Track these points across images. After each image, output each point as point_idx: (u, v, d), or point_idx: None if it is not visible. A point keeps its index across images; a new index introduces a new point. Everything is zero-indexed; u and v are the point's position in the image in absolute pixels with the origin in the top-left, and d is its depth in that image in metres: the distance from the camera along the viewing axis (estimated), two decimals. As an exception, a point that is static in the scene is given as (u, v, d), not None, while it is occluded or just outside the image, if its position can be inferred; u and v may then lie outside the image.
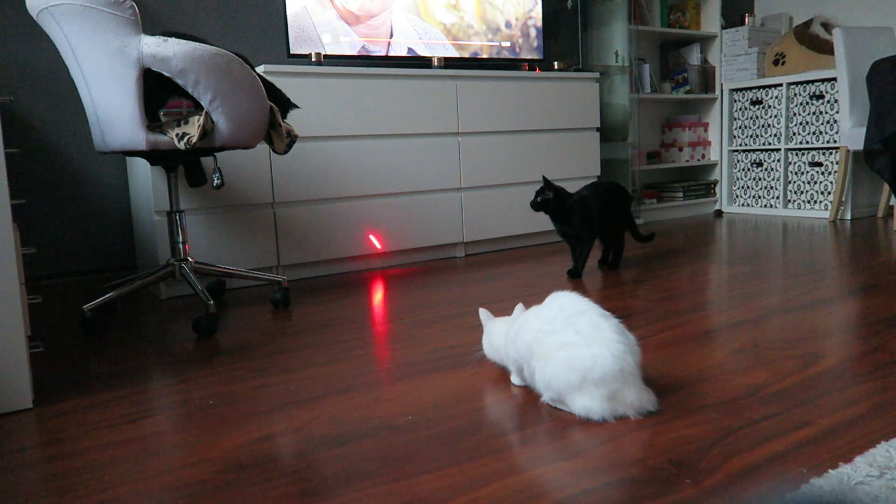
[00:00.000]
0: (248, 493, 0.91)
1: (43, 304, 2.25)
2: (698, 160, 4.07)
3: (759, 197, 3.94)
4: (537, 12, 3.16)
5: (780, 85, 3.80)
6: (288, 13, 2.58)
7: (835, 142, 3.56)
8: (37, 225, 2.52)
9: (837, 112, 3.55)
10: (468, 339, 1.61)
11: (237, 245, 2.36)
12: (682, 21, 4.03)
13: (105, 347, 1.69)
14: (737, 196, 4.08)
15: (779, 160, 3.82)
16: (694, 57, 4.06)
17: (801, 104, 3.72)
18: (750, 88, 3.95)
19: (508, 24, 3.09)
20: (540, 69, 3.19)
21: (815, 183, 3.67)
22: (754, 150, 3.96)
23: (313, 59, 2.57)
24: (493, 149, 2.92)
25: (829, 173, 3.60)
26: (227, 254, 2.34)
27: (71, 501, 0.91)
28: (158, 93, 1.74)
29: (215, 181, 1.90)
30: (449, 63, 2.99)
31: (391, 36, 2.82)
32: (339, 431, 1.10)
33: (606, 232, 2.37)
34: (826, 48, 3.67)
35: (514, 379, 1.28)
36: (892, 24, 3.74)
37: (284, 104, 1.99)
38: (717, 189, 4.14)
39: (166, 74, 1.66)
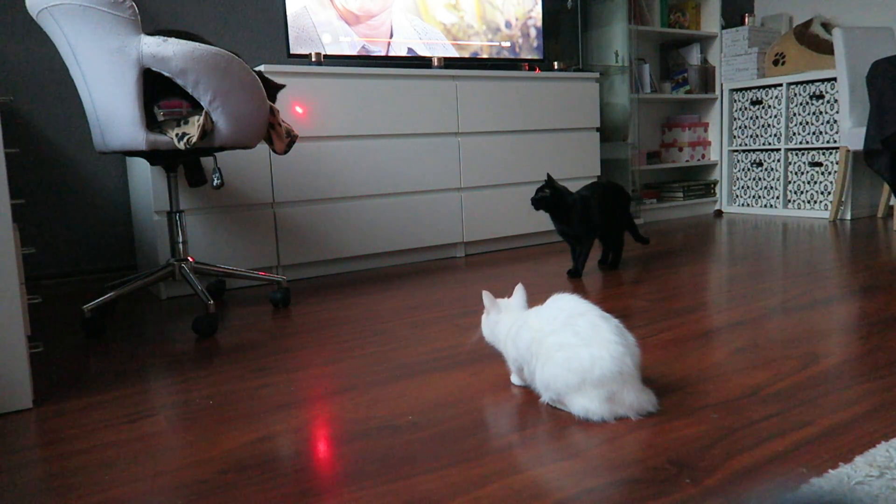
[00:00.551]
0: (248, 493, 0.91)
1: (43, 304, 2.25)
2: (698, 160, 4.07)
3: (759, 197, 3.94)
4: (537, 12, 3.16)
5: (780, 85, 3.80)
6: (288, 13, 2.58)
7: (835, 142, 3.56)
8: (37, 225, 2.52)
9: (837, 112, 3.55)
10: (465, 342, 1.61)
11: (237, 245, 2.36)
12: (682, 21, 4.03)
13: (105, 347, 1.69)
14: (737, 196, 4.08)
15: (779, 160, 3.82)
16: (694, 57, 4.06)
17: (801, 104, 3.72)
18: (750, 88, 3.95)
19: (508, 24, 3.09)
20: (540, 69, 3.19)
21: (815, 183, 3.67)
22: (754, 150, 3.96)
23: (313, 59, 2.57)
24: (493, 149, 2.92)
25: (829, 173, 3.60)
26: (227, 254, 2.34)
27: (71, 501, 0.91)
28: (158, 93, 1.74)
29: (215, 181, 1.90)
30: (449, 63, 2.99)
31: (391, 36, 2.82)
32: (339, 431, 1.10)
33: (606, 232, 2.37)
34: (826, 48, 3.67)
35: (514, 379, 1.28)
36: (892, 24, 3.74)
37: (267, 85, 1.97)
38: (717, 189, 4.14)
39: (166, 74, 1.66)
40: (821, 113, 3.62)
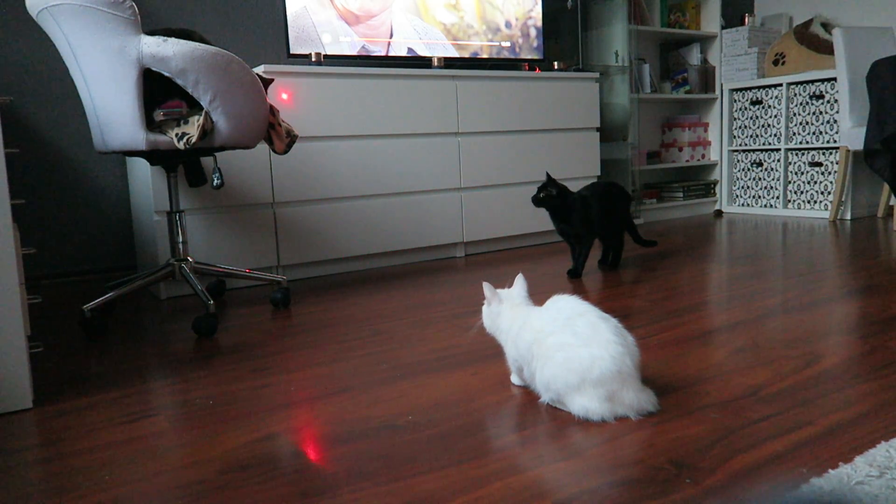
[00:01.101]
0: (248, 493, 0.91)
1: (43, 304, 2.25)
2: (698, 160, 4.07)
3: (759, 197, 3.94)
4: (537, 12, 3.16)
5: (780, 85, 3.80)
6: (288, 13, 2.58)
7: (835, 142, 3.56)
8: (37, 225, 2.52)
9: (837, 112, 3.55)
10: (468, 339, 1.61)
11: (237, 245, 2.36)
12: (682, 21, 4.03)
13: (105, 347, 1.69)
14: (737, 196, 4.08)
15: (779, 160, 3.82)
16: (694, 57, 4.06)
17: (801, 104, 3.72)
18: (750, 88, 3.95)
19: (508, 24, 3.09)
20: (540, 69, 3.19)
21: (815, 183, 3.67)
22: (754, 150, 3.96)
23: (313, 59, 2.57)
24: (493, 149, 2.92)
25: (829, 173, 3.60)
26: (227, 254, 2.34)
27: (71, 501, 0.91)
28: (159, 93, 1.74)
29: (215, 181, 1.90)
30: (449, 63, 2.99)
31: (391, 36, 2.82)
32: (339, 431, 1.10)
33: (606, 232, 2.37)
34: (826, 48, 3.67)
35: (514, 379, 1.28)
36: (892, 24, 3.74)
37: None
38: (717, 189, 4.14)
39: (166, 74, 1.66)
40: (821, 113, 3.62)
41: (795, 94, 3.74)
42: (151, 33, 1.68)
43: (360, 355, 1.52)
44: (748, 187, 4.00)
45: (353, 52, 2.74)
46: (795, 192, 3.77)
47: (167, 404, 1.26)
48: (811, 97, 3.66)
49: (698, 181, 4.09)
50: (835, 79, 3.54)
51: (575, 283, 2.22)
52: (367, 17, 2.76)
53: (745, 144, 3.99)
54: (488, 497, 0.87)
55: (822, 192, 3.64)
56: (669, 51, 4.16)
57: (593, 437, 1.03)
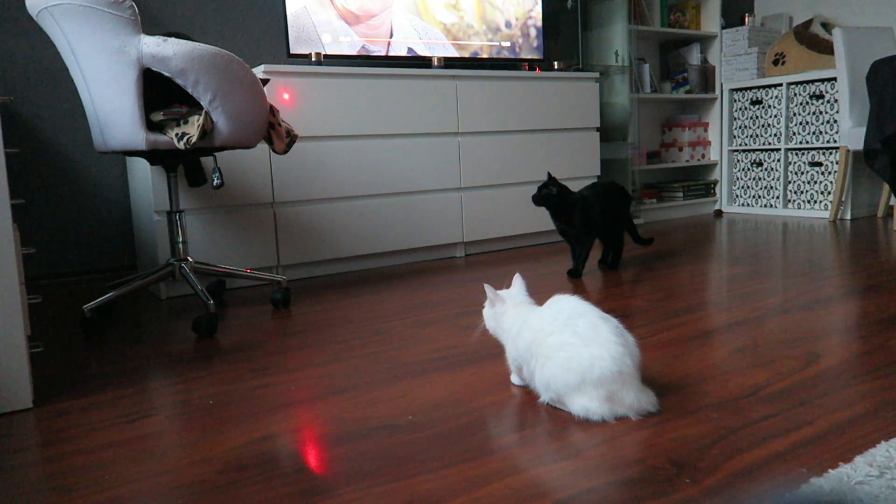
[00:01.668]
0: (248, 493, 0.91)
1: (43, 304, 2.25)
2: (698, 160, 4.07)
3: (759, 197, 3.94)
4: (537, 12, 3.16)
5: (780, 85, 3.80)
6: (288, 13, 2.58)
7: (835, 142, 3.56)
8: (37, 225, 2.52)
9: (837, 112, 3.55)
10: (468, 339, 1.61)
11: (237, 245, 2.36)
12: (682, 21, 4.03)
13: (105, 347, 1.69)
14: (737, 196, 4.08)
15: (779, 160, 3.82)
16: (694, 57, 4.06)
17: (801, 104, 3.72)
18: (750, 88, 3.95)
19: (508, 24, 3.09)
20: (540, 69, 3.19)
21: (815, 183, 3.67)
22: (754, 150, 3.96)
23: (313, 59, 2.57)
24: (493, 149, 2.92)
25: (829, 173, 3.60)
26: (227, 254, 2.34)
27: (71, 501, 0.91)
28: (159, 93, 1.74)
29: (215, 181, 1.90)
30: (449, 63, 2.99)
31: (391, 36, 2.82)
32: (339, 431, 1.10)
33: (607, 232, 2.37)
34: (826, 48, 3.67)
35: (514, 379, 1.28)
36: (892, 24, 3.74)
37: None
38: (717, 189, 4.14)
39: (166, 74, 1.66)
40: (821, 113, 3.62)
41: (795, 94, 3.74)
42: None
43: (360, 355, 1.52)
44: (748, 187, 4.00)
45: (353, 52, 2.74)
46: (795, 192, 3.77)
47: (167, 404, 1.26)
48: (811, 97, 3.66)
49: (698, 181, 4.09)
50: (835, 79, 3.54)
51: (575, 282, 2.22)
52: (367, 17, 2.76)
53: (745, 144, 3.99)
54: (488, 497, 0.87)
55: (822, 192, 3.64)
56: (669, 51, 4.16)
57: (593, 437, 1.03)
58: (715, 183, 4.13)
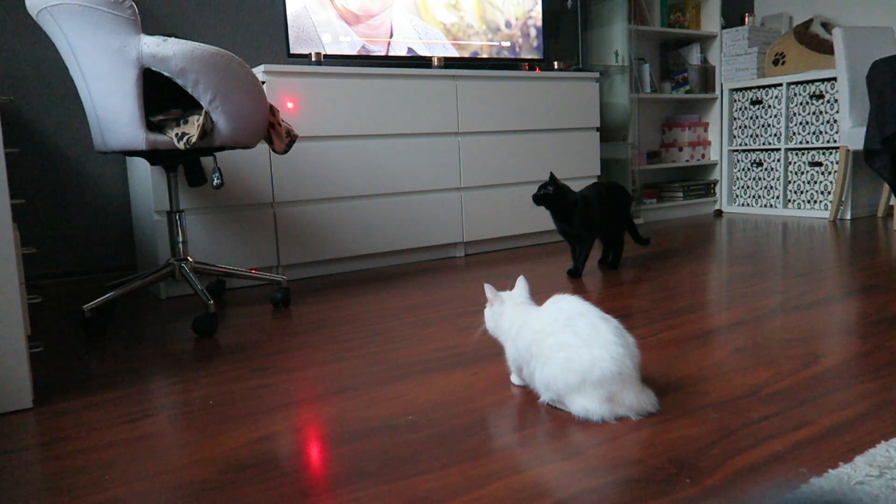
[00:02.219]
0: (248, 493, 0.91)
1: (43, 304, 2.25)
2: (698, 160, 4.07)
3: (759, 197, 3.94)
4: (537, 12, 3.16)
5: (780, 85, 3.80)
6: (288, 13, 2.58)
7: (835, 142, 3.56)
8: (37, 225, 2.52)
9: (837, 112, 3.55)
10: (468, 339, 1.61)
11: (237, 245, 2.36)
12: (682, 21, 4.03)
13: (105, 347, 1.69)
14: (737, 196, 4.08)
15: (779, 160, 3.82)
16: (694, 57, 4.06)
17: (801, 104, 3.72)
18: (750, 88, 3.95)
19: (508, 24, 3.09)
20: (540, 69, 3.19)
21: (815, 183, 3.67)
22: (754, 150, 3.96)
23: (313, 59, 2.57)
24: (493, 149, 2.92)
25: (829, 173, 3.60)
26: (227, 254, 2.34)
27: (71, 501, 0.91)
28: (159, 93, 1.74)
29: (215, 181, 1.90)
30: (449, 63, 2.99)
31: (391, 36, 2.82)
32: (339, 431, 1.10)
33: (607, 232, 2.37)
34: (826, 48, 3.67)
35: (514, 379, 1.28)
36: (892, 24, 3.74)
37: None
38: (717, 189, 4.14)
39: (166, 74, 1.66)
40: (821, 113, 3.62)
41: (795, 94, 3.74)
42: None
43: (360, 355, 1.52)
44: (748, 187, 4.00)
45: (353, 52, 2.74)
46: (795, 192, 3.77)
47: (167, 404, 1.26)
48: (811, 97, 3.66)
49: (698, 181, 4.09)
50: (835, 79, 3.54)
51: (575, 283, 2.22)
52: (367, 17, 2.76)
53: (745, 144, 3.99)
54: (488, 497, 0.87)
55: (822, 192, 3.64)
56: (669, 51, 4.16)
57: (593, 437, 1.03)
58: (715, 183, 4.13)
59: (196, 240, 2.28)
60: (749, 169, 3.99)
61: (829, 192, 3.60)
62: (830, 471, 0.87)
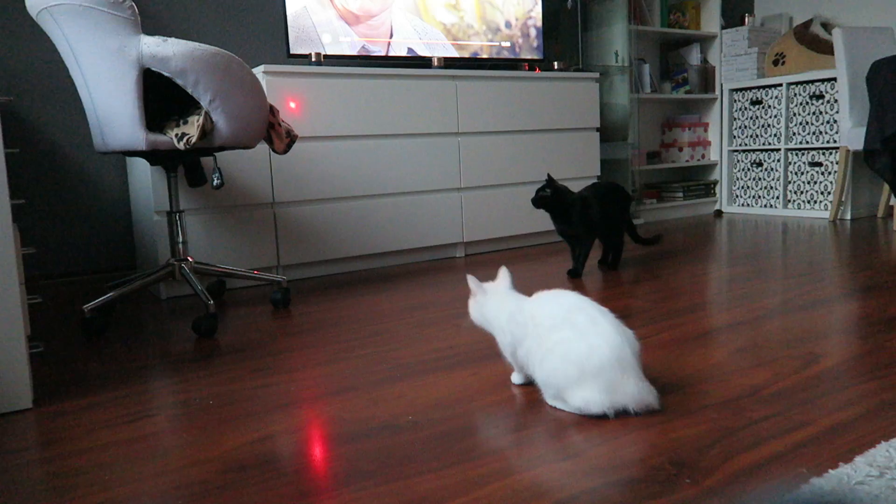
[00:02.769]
0: (248, 493, 0.91)
1: (43, 304, 2.25)
2: (698, 160, 4.07)
3: (759, 197, 3.94)
4: (537, 12, 3.16)
5: (780, 85, 3.80)
6: (288, 13, 2.58)
7: (835, 142, 3.56)
8: (37, 225, 2.52)
9: (837, 112, 3.55)
10: (468, 339, 1.61)
11: (237, 245, 2.36)
12: (682, 21, 4.03)
13: (105, 347, 1.69)
14: (737, 196, 4.08)
15: (779, 160, 3.82)
16: (694, 57, 4.06)
17: (800, 104, 3.72)
18: (750, 88, 3.95)
19: (508, 24, 3.09)
20: (540, 69, 3.19)
21: (815, 183, 3.67)
22: (754, 150, 3.96)
23: (313, 59, 2.57)
24: (493, 149, 2.92)
25: (829, 173, 3.60)
26: (227, 254, 2.34)
27: (71, 501, 0.91)
28: (159, 93, 1.74)
29: (215, 181, 1.90)
30: (449, 63, 2.99)
31: (391, 36, 2.82)
32: (339, 431, 1.10)
33: (606, 232, 2.37)
34: (826, 48, 3.67)
35: (514, 378, 1.28)
36: (892, 24, 3.74)
37: None
38: (717, 189, 4.14)
39: (166, 74, 1.66)
40: (821, 113, 3.62)
41: (795, 94, 3.74)
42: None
43: (360, 355, 1.52)
44: (748, 187, 4.00)
45: (353, 52, 2.74)
46: (795, 192, 3.77)
47: (167, 404, 1.26)
48: (811, 97, 3.66)
49: (698, 181, 4.09)
50: (835, 79, 3.54)
51: (575, 283, 2.22)
52: (367, 17, 2.76)
53: (745, 144, 3.99)
54: (488, 497, 0.87)
55: (822, 192, 3.64)
56: (669, 51, 4.16)
57: (593, 437, 1.03)
58: (715, 183, 4.13)
59: (196, 240, 2.28)
60: (749, 169, 3.99)
61: (829, 193, 3.60)
62: (830, 471, 0.87)
